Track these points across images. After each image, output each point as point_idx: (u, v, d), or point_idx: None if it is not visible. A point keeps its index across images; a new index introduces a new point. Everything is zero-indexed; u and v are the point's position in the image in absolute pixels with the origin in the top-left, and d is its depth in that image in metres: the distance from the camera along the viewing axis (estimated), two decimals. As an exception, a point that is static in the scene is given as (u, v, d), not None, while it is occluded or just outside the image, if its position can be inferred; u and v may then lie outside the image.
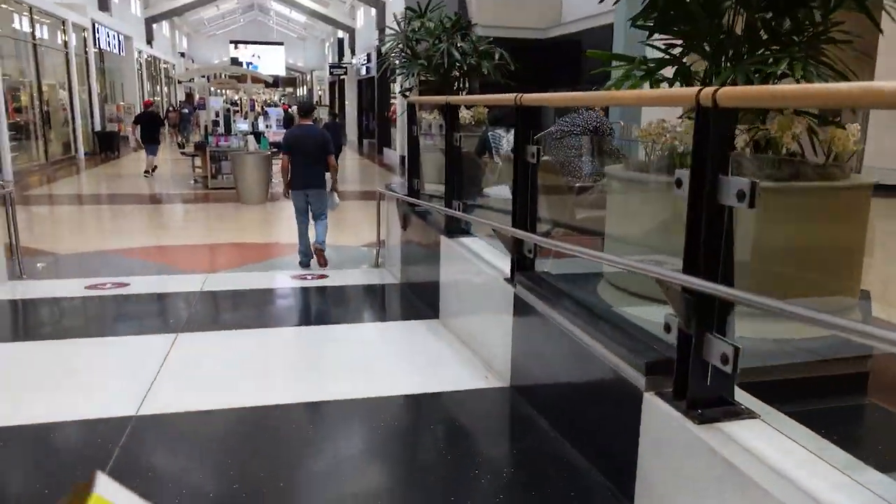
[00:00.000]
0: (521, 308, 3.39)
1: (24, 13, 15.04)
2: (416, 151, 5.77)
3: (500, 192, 4.69)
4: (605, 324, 2.71)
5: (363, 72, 25.29)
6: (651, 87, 2.86)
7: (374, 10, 27.49)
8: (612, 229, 3.05)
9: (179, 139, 20.06)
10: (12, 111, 14.92)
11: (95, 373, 3.76)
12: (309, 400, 3.40)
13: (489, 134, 5.27)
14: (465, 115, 6.11)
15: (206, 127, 12.72)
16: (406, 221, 5.93)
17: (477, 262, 4.07)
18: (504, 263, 3.84)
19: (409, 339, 4.52)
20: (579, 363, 2.83)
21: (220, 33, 47.74)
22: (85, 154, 18.40)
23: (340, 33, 35.66)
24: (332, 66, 30.43)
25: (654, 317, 2.67)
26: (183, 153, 13.82)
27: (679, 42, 2.86)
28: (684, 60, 2.86)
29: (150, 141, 14.11)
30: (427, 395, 3.50)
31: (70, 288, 5.79)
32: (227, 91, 16.47)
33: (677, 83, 2.83)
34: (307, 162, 6.50)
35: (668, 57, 2.85)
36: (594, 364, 2.63)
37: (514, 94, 3.27)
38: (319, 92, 45.74)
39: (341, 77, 30.23)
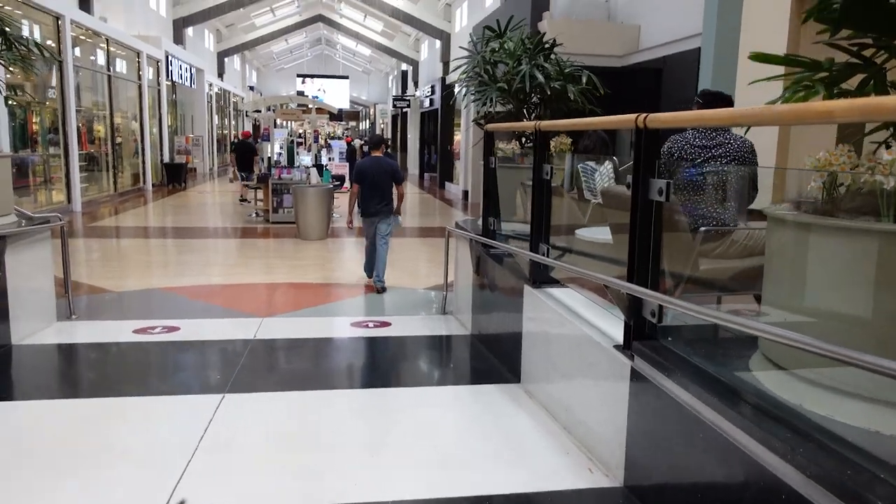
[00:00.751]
0: (640, 385, 2.66)
1: (101, 45, 15.34)
2: (492, 186, 5.14)
3: (595, 234, 3.98)
4: (769, 420, 1.96)
5: (426, 104, 25.09)
6: (828, 98, 2.13)
7: (438, 42, 27.45)
8: (780, 290, 2.29)
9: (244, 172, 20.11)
10: (85, 142, 15.18)
11: (121, 452, 3.20)
12: (371, 502, 2.73)
13: (579, 167, 4.59)
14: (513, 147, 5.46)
15: (269, 159, 12.48)
16: (480, 265, 5.28)
17: (573, 321, 3.36)
18: (611, 325, 3.13)
19: (486, 409, 3.82)
20: (726, 464, 2.08)
21: (288, 67, 48.97)
22: (152, 185, 18.62)
23: (404, 66, 35.91)
24: (395, 99, 30.46)
25: (853, 419, 1.91)
26: (245, 185, 13.64)
27: (870, 42, 2.13)
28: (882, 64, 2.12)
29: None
30: (517, 499, 2.77)
31: (117, 331, 5.37)
32: (292, 123, 16.38)
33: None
34: (377, 191, 7.00)
35: (857, 61, 2.12)
36: (751, 470, 1.90)
37: (636, 115, 2.59)
38: (382, 125, 46.11)
39: (404, 110, 30.20)
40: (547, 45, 5.55)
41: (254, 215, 13.02)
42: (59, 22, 12.34)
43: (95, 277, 7.45)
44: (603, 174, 4.55)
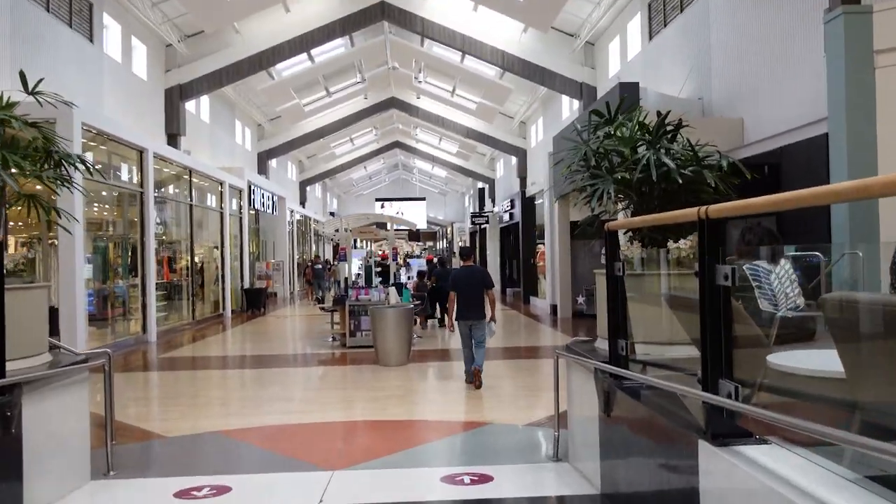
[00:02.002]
0: None
1: (185, 175, 15.61)
2: (621, 298, 3.99)
3: (800, 361, 2.73)
4: None
5: (505, 218, 24.51)
6: None
7: (514, 159, 27.35)
8: None
9: (318, 294, 19.60)
10: (167, 271, 15.10)
11: None
12: None
13: (746, 269, 3.41)
14: (679, 245, 4.31)
15: (346, 280, 11.78)
16: (610, 402, 4.03)
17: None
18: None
19: None
20: None
21: (367, 192, 50.45)
22: (231, 312, 18.36)
23: (480, 184, 36.05)
24: (473, 216, 30.21)
25: None
26: (322, 308, 12.94)
27: None
28: None
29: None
30: None
31: (157, 495, 4.34)
32: (372, 244, 15.92)
33: None
34: (470, 296, 7.74)
35: None
36: None
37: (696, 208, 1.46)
38: (460, 243, 46.11)
39: (483, 226, 29.80)
40: (671, 127, 4.57)
41: (331, 339, 12.19)
42: (143, 155, 12.51)
43: (150, 418, 6.58)
44: (782, 277, 3.34)
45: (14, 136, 4.33)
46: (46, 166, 4.53)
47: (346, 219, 14.89)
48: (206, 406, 7.18)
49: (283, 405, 7.09)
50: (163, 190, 14.91)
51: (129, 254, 12.80)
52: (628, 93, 11.17)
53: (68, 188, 4.60)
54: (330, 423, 6.24)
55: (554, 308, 16.39)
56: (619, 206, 4.99)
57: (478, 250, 30.85)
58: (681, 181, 4.31)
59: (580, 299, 15.79)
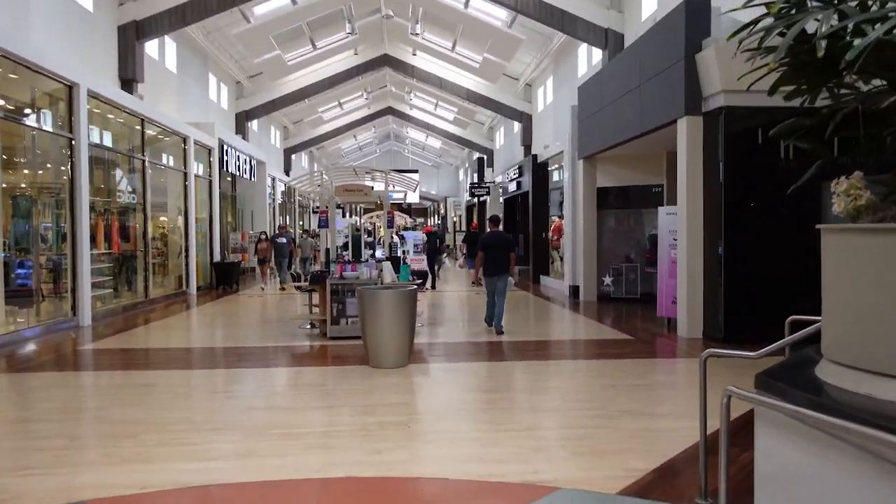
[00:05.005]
0: None
1: (136, 126, 13.01)
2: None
3: None
4: None
5: (511, 188, 22.05)
6: None
7: (517, 126, 24.87)
8: None
9: (280, 276, 16.95)
10: (116, 241, 12.59)
11: None
12: None
13: None
14: None
15: (327, 251, 9.31)
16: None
17: None
18: None
19: None
20: None
21: (357, 164, 47.71)
22: (198, 289, 15.86)
23: (477, 154, 33.52)
24: (473, 186, 27.67)
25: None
26: (298, 287, 10.46)
27: None
28: None
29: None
30: None
31: None
32: (359, 219, 13.43)
33: None
34: (497, 255, 9.27)
35: None
36: None
37: None
38: (455, 218, 43.77)
39: (482, 198, 27.32)
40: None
41: (308, 326, 9.78)
42: (73, 92, 9.92)
43: (51, 464, 4.15)
44: None
45: None
46: None
47: (328, 173, 12.28)
48: (101, 440, 4.72)
49: (222, 438, 4.68)
50: (107, 143, 12.32)
51: (65, 218, 10.28)
52: (696, 13, 8.72)
53: None
54: (285, 484, 3.83)
55: (574, 290, 14.01)
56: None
57: (475, 222, 28.38)
58: None
59: (607, 279, 13.43)
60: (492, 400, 5.82)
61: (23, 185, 10.39)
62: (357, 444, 4.49)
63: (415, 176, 39.21)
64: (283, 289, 16.01)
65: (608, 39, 15.02)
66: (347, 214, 33.83)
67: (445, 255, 21.52)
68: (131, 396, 5.99)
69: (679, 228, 9.09)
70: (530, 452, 4.28)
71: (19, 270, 9.99)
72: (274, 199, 25.50)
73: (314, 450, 4.37)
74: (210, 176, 17.27)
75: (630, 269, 13.31)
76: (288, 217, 29.51)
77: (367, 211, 33.78)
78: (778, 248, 8.36)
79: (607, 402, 5.59)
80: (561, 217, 16.31)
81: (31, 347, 8.58)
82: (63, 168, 10.18)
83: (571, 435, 4.70)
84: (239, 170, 19.66)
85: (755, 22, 2.74)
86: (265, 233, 18.28)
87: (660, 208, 10.16)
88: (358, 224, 11.30)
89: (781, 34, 2.43)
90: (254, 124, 25.46)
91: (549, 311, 12.57)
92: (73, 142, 9.97)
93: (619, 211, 13.59)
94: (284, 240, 16.16)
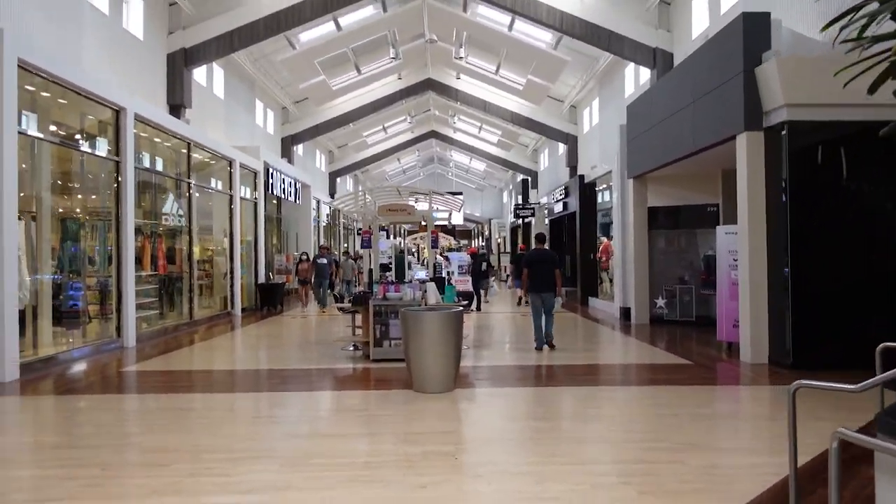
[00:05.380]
0: None
1: (182, 149, 13.16)
2: None
3: None
4: None
5: (557, 209, 21.65)
6: None
7: (561, 148, 24.52)
8: None
9: (319, 297, 16.78)
10: (162, 264, 12.68)
11: None
12: None
13: None
14: None
15: (370, 272, 9.11)
16: None
17: None
18: None
19: None
20: None
21: (401, 187, 47.93)
22: (243, 310, 15.87)
23: (521, 176, 33.20)
24: (518, 208, 27.32)
25: None
26: (340, 309, 10.27)
27: None
28: None
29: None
30: None
31: None
32: (403, 240, 13.25)
33: None
34: (542, 271, 9.45)
35: None
36: None
37: None
38: (499, 239, 43.50)
39: (527, 219, 26.93)
40: None
41: (352, 348, 9.56)
42: (120, 116, 10.05)
43: (79, 494, 3.98)
44: None
45: None
46: None
47: (371, 193, 12.14)
48: (133, 469, 4.52)
49: (258, 468, 4.43)
50: (156, 167, 12.47)
51: (111, 241, 10.36)
52: (755, 26, 8.31)
53: None
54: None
55: (626, 312, 13.49)
56: None
57: (523, 243, 28.00)
58: None
59: (659, 301, 12.88)
60: (542, 429, 5.44)
61: (72, 209, 10.52)
62: (400, 476, 4.18)
63: (459, 197, 39.16)
64: (323, 311, 15.89)
65: (656, 58, 14.64)
66: (391, 236, 33.87)
67: (493, 277, 20.49)
68: (170, 421, 5.82)
69: (740, 248, 8.59)
70: (590, 490, 3.91)
71: (71, 292, 10.08)
72: (318, 222, 25.63)
73: (355, 483, 4.08)
74: (255, 198, 17.39)
75: (684, 290, 12.74)
76: (332, 240, 29.63)
77: (410, 233, 33.72)
78: (848, 267, 7.80)
79: (669, 434, 5.16)
80: (609, 237, 15.84)
81: (75, 369, 8.56)
82: (110, 191, 10.28)
83: (633, 471, 4.29)
84: (284, 192, 19.79)
85: (857, 8, 2.42)
86: (306, 253, 18.26)
87: (718, 228, 9.66)
88: (402, 245, 11.13)
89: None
90: (299, 148, 25.73)
91: (600, 334, 12.09)
92: (120, 165, 10.07)
93: (669, 231, 13.07)
94: (325, 261, 16.06)
